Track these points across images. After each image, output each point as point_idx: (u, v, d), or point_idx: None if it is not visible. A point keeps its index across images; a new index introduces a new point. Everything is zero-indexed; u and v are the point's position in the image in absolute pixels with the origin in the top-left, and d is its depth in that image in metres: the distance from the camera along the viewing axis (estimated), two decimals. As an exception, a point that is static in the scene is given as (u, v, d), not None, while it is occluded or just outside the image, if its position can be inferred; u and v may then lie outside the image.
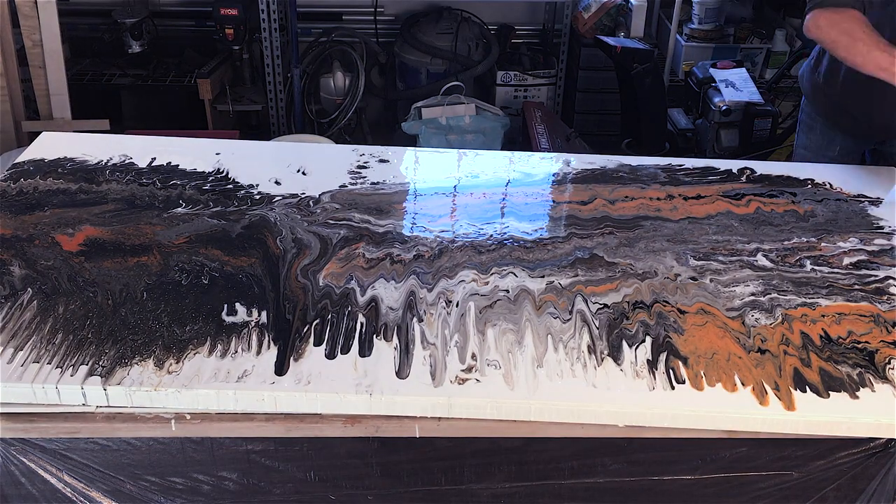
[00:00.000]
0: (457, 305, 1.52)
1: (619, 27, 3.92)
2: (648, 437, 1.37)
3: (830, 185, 2.00)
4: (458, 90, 3.71)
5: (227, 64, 3.88)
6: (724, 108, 3.01)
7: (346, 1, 4.09)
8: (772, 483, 1.43)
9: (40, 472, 1.40)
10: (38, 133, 2.11)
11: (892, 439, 1.37)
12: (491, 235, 1.75)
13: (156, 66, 3.84)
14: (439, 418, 1.35)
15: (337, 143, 3.50)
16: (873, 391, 1.37)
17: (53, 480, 1.41)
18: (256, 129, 4.06)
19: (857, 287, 1.62)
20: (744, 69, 3.18)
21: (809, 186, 1.99)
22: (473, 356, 1.41)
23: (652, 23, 3.99)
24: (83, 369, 1.34)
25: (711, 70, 3.18)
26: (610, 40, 3.43)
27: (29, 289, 1.52)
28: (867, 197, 1.95)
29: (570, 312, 1.52)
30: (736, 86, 3.09)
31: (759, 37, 3.83)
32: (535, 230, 1.77)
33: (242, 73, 3.96)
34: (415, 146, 3.40)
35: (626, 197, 1.92)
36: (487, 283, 1.58)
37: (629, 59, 3.27)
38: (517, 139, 3.83)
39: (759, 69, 3.78)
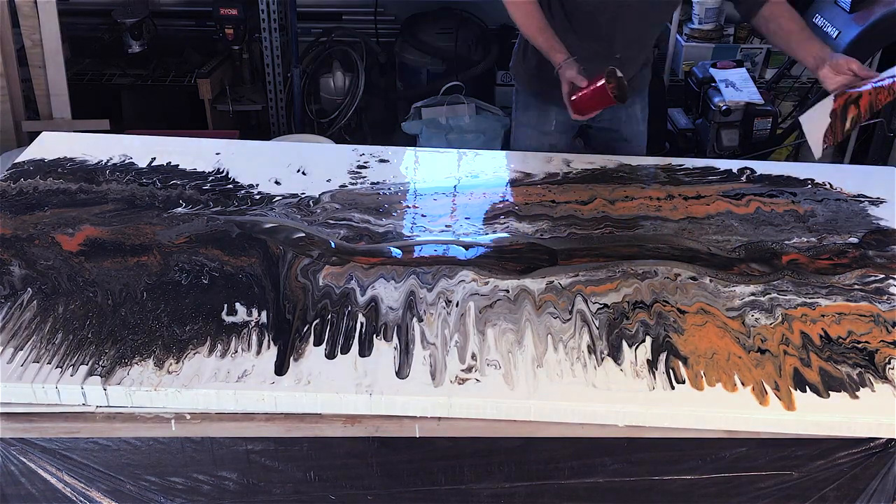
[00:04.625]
0: (457, 305, 1.52)
1: (619, 27, 3.91)
2: (648, 437, 1.37)
3: (830, 185, 2.00)
4: (458, 90, 3.71)
5: (227, 64, 3.88)
6: (724, 107, 3.01)
7: (346, 1, 4.09)
8: (772, 483, 1.43)
9: (40, 472, 1.40)
10: (38, 133, 2.11)
11: (892, 439, 1.37)
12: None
13: (156, 66, 3.84)
14: (439, 418, 1.35)
15: (337, 143, 3.49)
16: (873, 391, 1.37)
17: (53, 480, 1.41)
18: (256, 129, 4.06)
19: (857, 287, 1.62)
20: (744, 69, 3.18)
21: (809, 186, 1.99)
22: (473, 356, 1.41)
23: (652, 23, 3.98)
24: (83, 369, 1.34)
25: (711, 70, 3.17)
26: (610, 40, 3.42)
27: (29, 289, 1.52)
28: (867, 197, 1.95)
29: (570, 312, 1.52)
30: (736, 86, 3.08)
31: (759, 37, 3.83)
32: (535, 230, 1.77)
33: (242, 73, 3.96)
34: (415, 146, 3.40)
35: (626, 196, 1.92)
36: (487, 283, 1.58)
37: (629, 58, 3.26)
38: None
39: (759, 69, 3.77)
